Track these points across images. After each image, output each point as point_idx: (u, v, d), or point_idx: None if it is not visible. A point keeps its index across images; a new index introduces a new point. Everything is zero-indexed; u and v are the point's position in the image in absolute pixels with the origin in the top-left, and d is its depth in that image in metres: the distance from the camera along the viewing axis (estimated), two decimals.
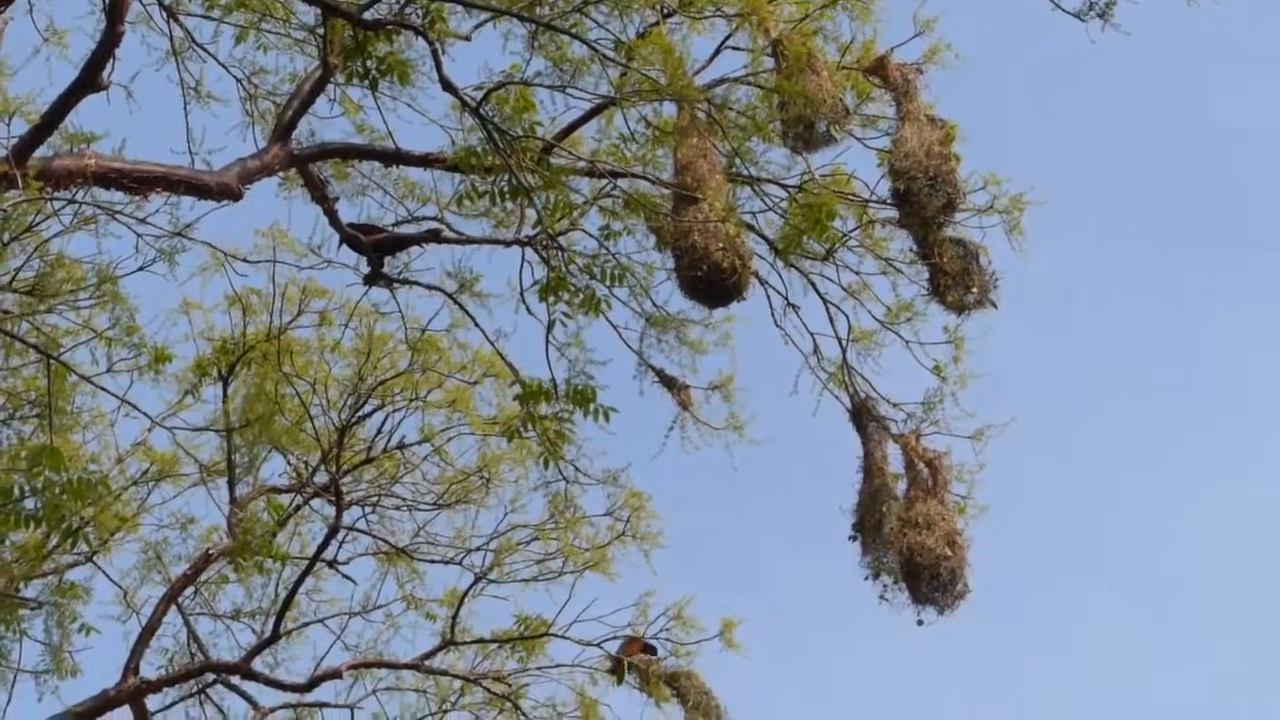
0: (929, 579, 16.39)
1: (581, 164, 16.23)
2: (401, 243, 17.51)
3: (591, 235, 16.22)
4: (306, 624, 19.48)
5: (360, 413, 18.80)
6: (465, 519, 19.73)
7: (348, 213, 17.58)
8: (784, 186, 16.93)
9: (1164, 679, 32.42)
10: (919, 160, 15.62)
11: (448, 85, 14.41)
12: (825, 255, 17.10)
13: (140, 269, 15.38)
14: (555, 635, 19.11)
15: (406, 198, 18.04)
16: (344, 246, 17.41)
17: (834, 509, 17.16)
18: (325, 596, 19.59)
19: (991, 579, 17.13)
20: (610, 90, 15.88)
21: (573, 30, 15.60)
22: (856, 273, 17.32)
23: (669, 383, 18.02)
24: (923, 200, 15.65)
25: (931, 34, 16.20)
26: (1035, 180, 16.38)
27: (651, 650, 18.97)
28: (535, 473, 19.14)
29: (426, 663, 19.44)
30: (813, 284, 17.38)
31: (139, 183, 15.12)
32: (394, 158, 17.22)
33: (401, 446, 19.15)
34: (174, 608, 18.55)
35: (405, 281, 17.61)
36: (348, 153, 17.26)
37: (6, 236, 15.23)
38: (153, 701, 18.32)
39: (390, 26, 14.09)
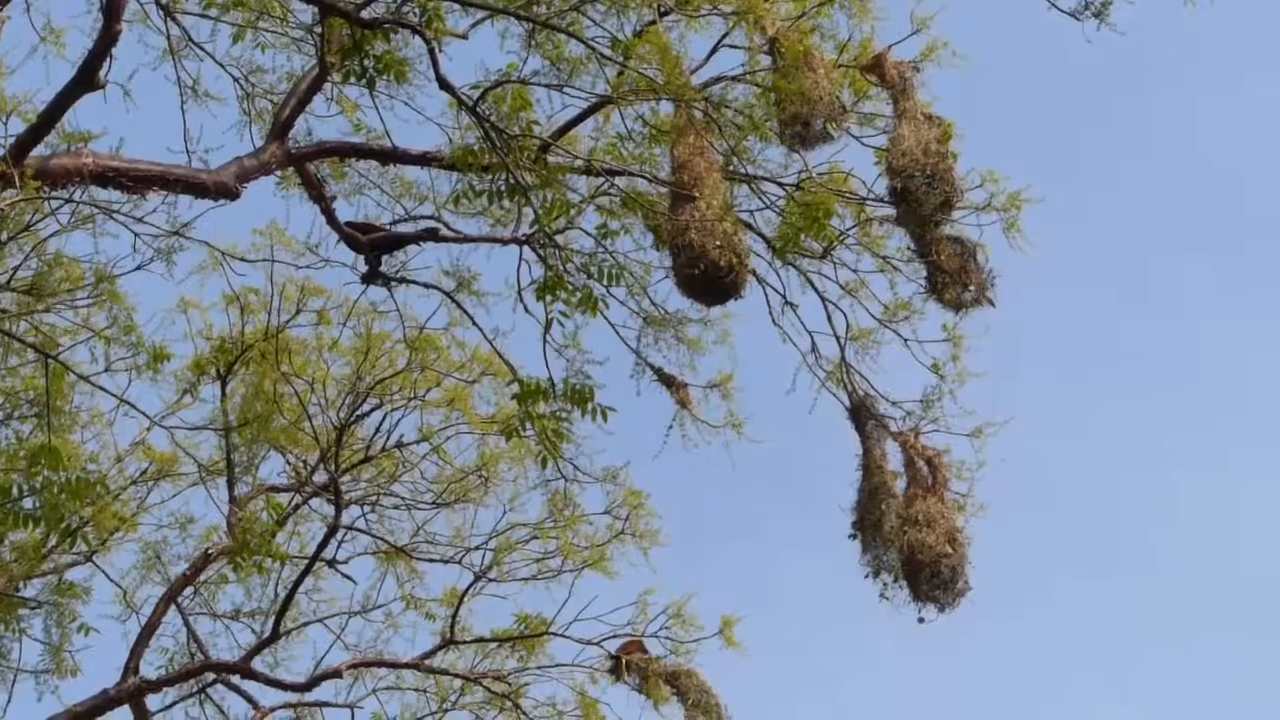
0: (930, 576, 16.38)
1: (579, 163, 16.24)
2: (399, 241, 17.53)
3: (589, 234, 16.28)
4: (306, 623, 19.52)
5: (359, 412, 18.81)
6: (464, 518, 19.76)
7: (345, 211, 17.64)
8: (781, 185, 16.92)
9: (1164, 678, 32.44)
10: (916, 158, 15.60)
11: (445, 84, 14.40)
12: (823, 253, 17.09)
13: (138, 268, 15.41)
14: (555, 634, 19.12)
15: (404, 196, 18.08)
16: (341, 245, 17.43)
17: (833, 507, 17.18)
18: (325, 596, 19.63)
19: (992, 577, 17.14)
20: (607, 89, 15.88)
21: (570, 29, 15.59)
22: (854, 271, 17.32)
23: (667, 381, 18.02)
24: (920, 198, 15.63)
25: (928, 32, 16.19)
26: (1032, 179, 16.39)
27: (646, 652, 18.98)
28: (534, 471, 19.17)
29: (426, 662, 19.45)
30: (811, 282, 17.38)
31: (136, 182, 15.13)
32: (391, 156, 17.24)
33: (400, 445, 19.16)
34: (174, 607, 18.58)
35: (403, 280, 17.62)
36: (345, 151, 17.27)
37: (4, 236, 15.23)
38: (153, 701, 18.36)
39: (387, 25, 14.08)
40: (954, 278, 16.42)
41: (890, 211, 16.36)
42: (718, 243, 15.02)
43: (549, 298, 14.25)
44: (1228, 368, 35.07)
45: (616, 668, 18.93)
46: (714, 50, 16.62)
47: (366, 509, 19.59)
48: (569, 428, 14.52)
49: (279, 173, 16.99)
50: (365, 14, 14.17)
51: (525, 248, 16.48)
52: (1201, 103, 34.99)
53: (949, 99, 16.34)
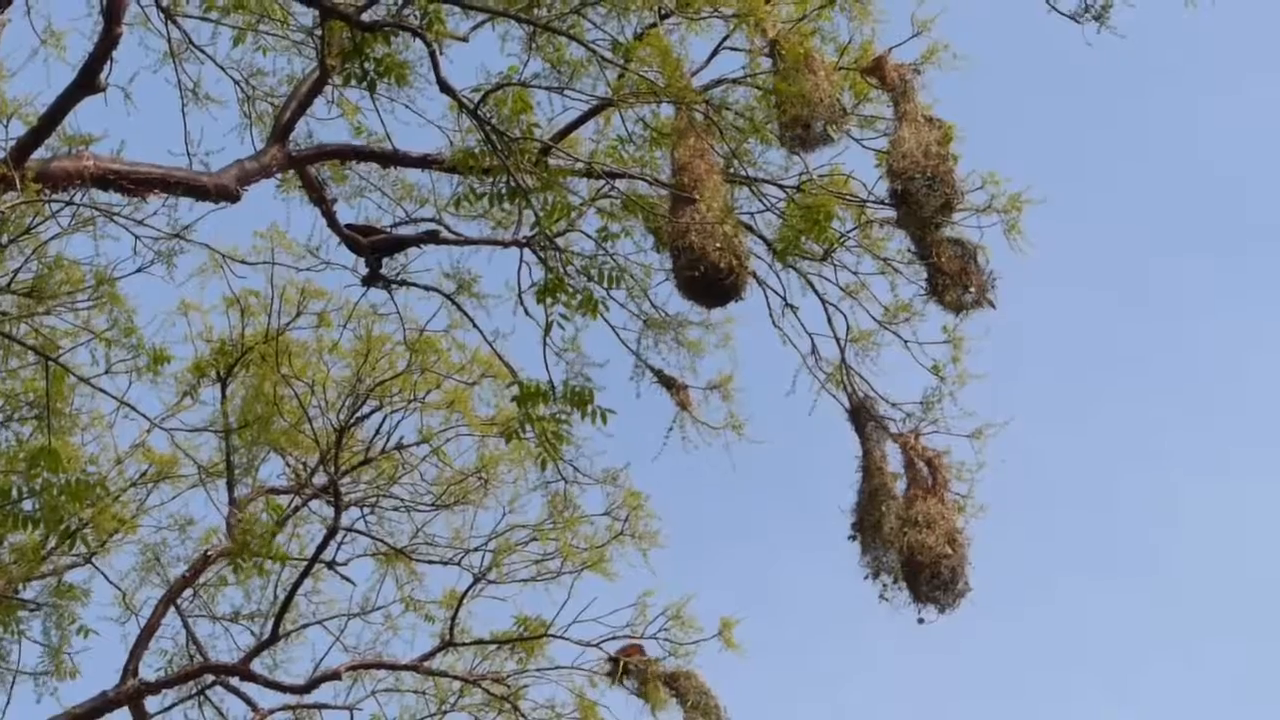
0: (930, 577, 16.38)
1: (579, 165, 16.22)
2: (399, 244, 17.53)
3: (589, 236, 16.27)
4: (305, 625, 19.50)
5: (358, 414, 18.81)
6: (464, 520, 19.76)
7: (346, 214, 17.64)
8: (782, 187, 16.93)
9: (1164, 679, 32.46)
10: (917, 160, 15.60)
11: (445, 87, 14.41)
12: (823, 256, 17.10)
13: (138, 270, 15.39)
14: (554, 636, 19.11)
15: (404, 199, 18.08)
16: (342, 247, 17.43)
17: (833, 508, 17.19)
18: (324, 598, 19.63)
19: (992, 577, 17.15)
20: (608, 91, 15.88)
21: (570, 32, 15.59)
22: (854, 273, 17.33)
23: (667, 383, 18.02)
24: (920, 200, 15.64)
25: (929, 35, 16.21)
26: (1033, 181, 16.40)
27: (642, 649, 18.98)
28: (534, 473, 19.16)
29: (425, 664, 19.44)
30: (811, 284, 17.39)
31: (137, 184, 15.12)
32: (392, 159, 17.24)
33: (400, 447, 19.15)
34: (173, 609, 18.57)
35: (403, 283, 17.62)
36: (345, 154, 17.27)
37: (5, 238, 15.22)
38: (152, 703, 18.34)
39: (388, 28, 14.09)
40: (954, 279, 16.42)
41: (891, 214, 16.36)
42: (718, 245, 15.02)
43: (549, 300, 14.25)
44: (1228, 368, 35.13)
45: (615, 671, 18.93)
46: (715, 53, 16.66)
47: (366, 511, 19.60)
48: (569, 430, 14.53)
49: (280, 175, 16.99)
50: (366, 17, 14.18)
51: (526, 250, 16.47)
52: (1201, 104, 35.06)
53: (950, 101, 16.37)
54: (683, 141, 15.51)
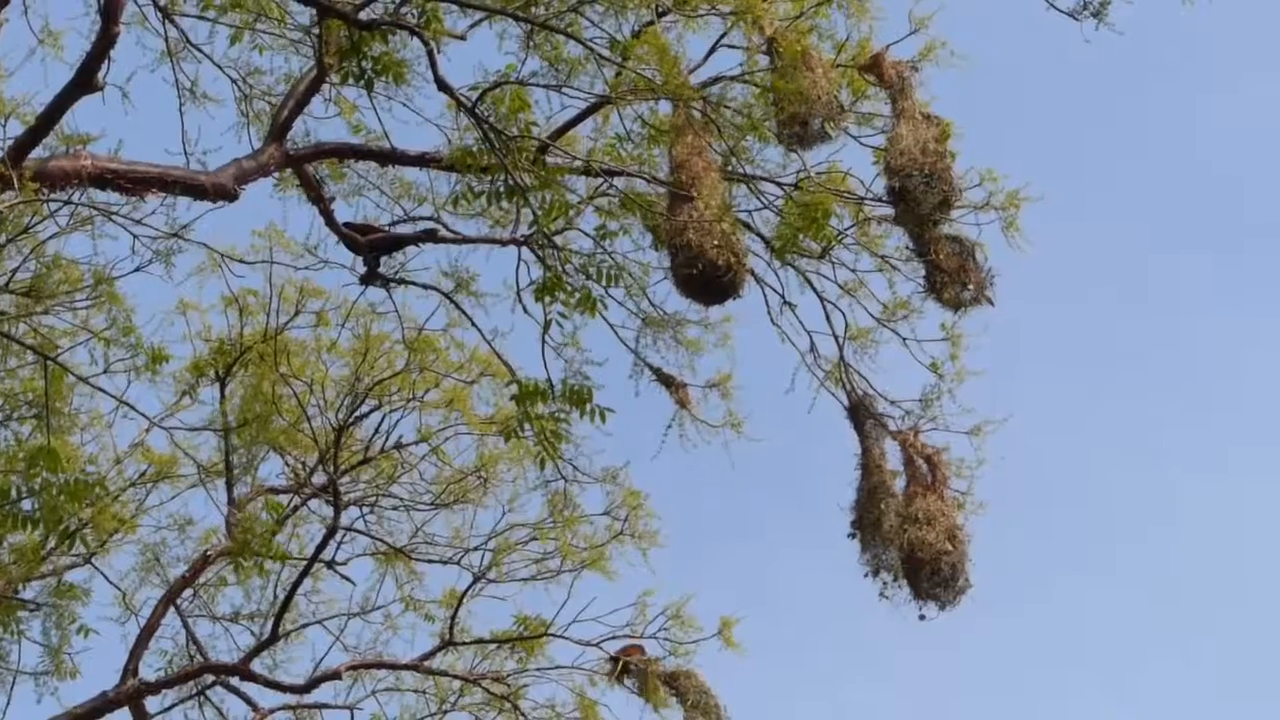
0: (930, 574, 16.38)
1: (577, 163, 16.23)
2: (398, 242, 17.53)
3: (587, 234, 16.23)
4: (305, 625, 19.51)
5: (357, 413, 18.82)
6: (463, 519, 19.77)
7: (344, 212, 17.64)
8: (780, 185, 16.93)
9: (1162, 677, 32.46)
10: (914, 157, 15.61)
11: (443, 85, 14.40)
12: (821, 253, 17.10)
13: (137, 270, 15.38)
14: (554, 635, 19.10)
15: (402, 197, 18.07)
16: (340, 246, 17.43)
17: (832, 506, 17.19)
18: (324, 597, 19.63)
19: (992, 574, 17.15)
20: (605, 89, 15.88)
21: (568, 30, 15.58)
22: (853, 270, 17.33)
23: (666, 381, 18.01)
24: (918, 197, 15.64)
25: (926, 32, 16.20)
26: (1031, 178, 16.40)
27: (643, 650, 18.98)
28: (533, 472, 19.12)
29: (425, 663, 19.44)
30: (809, 282, 17.39)
31: (135, 183, 15.12)
32: (390, 157, 17.24)
33: (399, 446, 19.16)
34: (173, 609, 18.58)
35: (401, 281, 17.62)
36: (343, 153, 17.27)
37: (3, 238, 15.22)
38: (152, 703, 18.35)
39: (385, 27, 14.07)
40: (953, 277, 16.42)
41: (889, 211, 16.36)
42: (716, 242, 15.03)
43: (548, 298, 14.24)
44: (1226, 366, 35.11)
45: (615, 670, 18.93)
46: (712, 50, 16.65)
47: (365, 510, 19.60)
48: (568, 428, 14.52)
49: (277, 174, 16.99)
50: (363, 15, 14.17)
51: (524, 248, 16.46)
52: (1200, 101, 35.06)
53: (947, 98, 16.38)
54: (681, 139, 15.52)
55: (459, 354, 18.79)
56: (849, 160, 16.83)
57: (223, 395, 18.41)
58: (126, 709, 17.92)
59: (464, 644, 19.35)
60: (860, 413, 17.39)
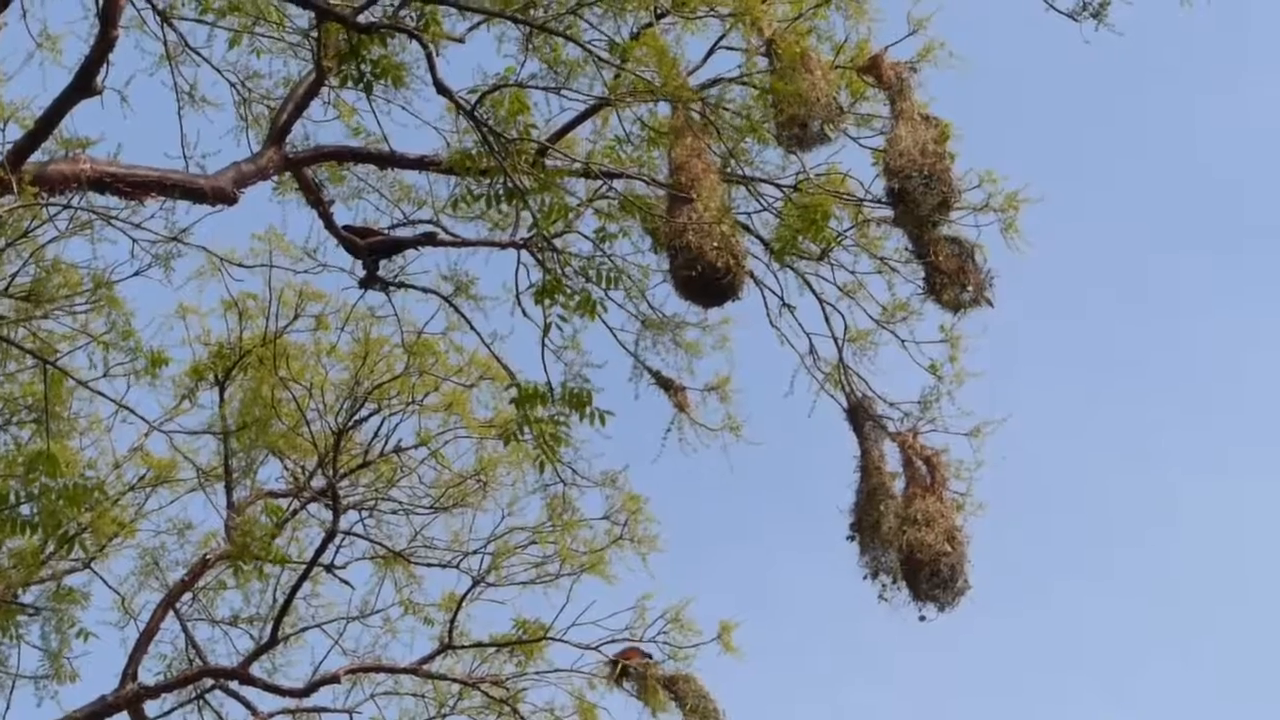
0: (929, 575, 16.39)
1: (576, 166, 16.22)
2: (397, 246, 17.53)
3: (587, 237, 16.25)
4: (304, 629, 19.51)
5: (357, 416, 18.82)
6: (462, 522, 19.78)
7: (343, 216, 17.64)
8: (779, 186, 16.92)
9: (1161, 678, 32.47)
10: (913, 159, 15.61)
11: (442, 88, 14.39)
12: (820, 255, 17.10)
13: (136, 274, 15.34)
14: (553, 639, 19.12)
15: (402, 201, 18.07)
16: (339, 250, 17.42)
17: (832, 508, 17.19)
18: (323, 601, 19.65)
19: (991, 575, 17.16)
20: (604, 91, 15.86)
21: (567, 32, 15.58)
22: (852, 272, 17.33)
23: (665, 384, 18.00)
24: (917, 199, 15.64)
25: (925, 33, 16.21)
26: (1030, 179, 16.40)
27: (648, 657, 18.97)
28: (532, 476, 19.16)
29: (424, 667, 19.46)
30: (808, 284, 17.39)
31: (134, 187, 15.10)
32: (389, 161, 17.23)
33: (398, 450, 19.17)
34: (172, 613, 18.58)
35: (401, 285, 17.62)
36: (342, 156, 17.26)
37: (2, 242, 15.21)
38: (151, 707, 18.36)
39: (384, 30, 14.08)
40: (952, 278, 16.42)
41: (888, 212, 16.35)
42: (715, 244, 15.03)
43: (547, 301, 14.23)
44: (1226, 367, 35.14)
45: (614, 672, 18.93)
46: (711, 52, 16.64)
47: (364, 514, 19.61)
48: (567, 431, 14.52)
49: (276, 177, 16.98)
50: (362, 18, 14.16)
51: (523, 251, 16.48)
52: (1199, 102, 35.08)
53: (946, 99, 16.38)
54: (680, 141, 15.52)
55: (458, 357, 18.82)
56: (848, 162, 16.86)
57: (222, 399, 18.40)
58: (126, 713, 17.93)
59: (463, 647, 19.37)
60: (859, 414, 17.39)
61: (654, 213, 15.93)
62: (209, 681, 19.01)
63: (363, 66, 14.00)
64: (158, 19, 16.85)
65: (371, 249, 17.31)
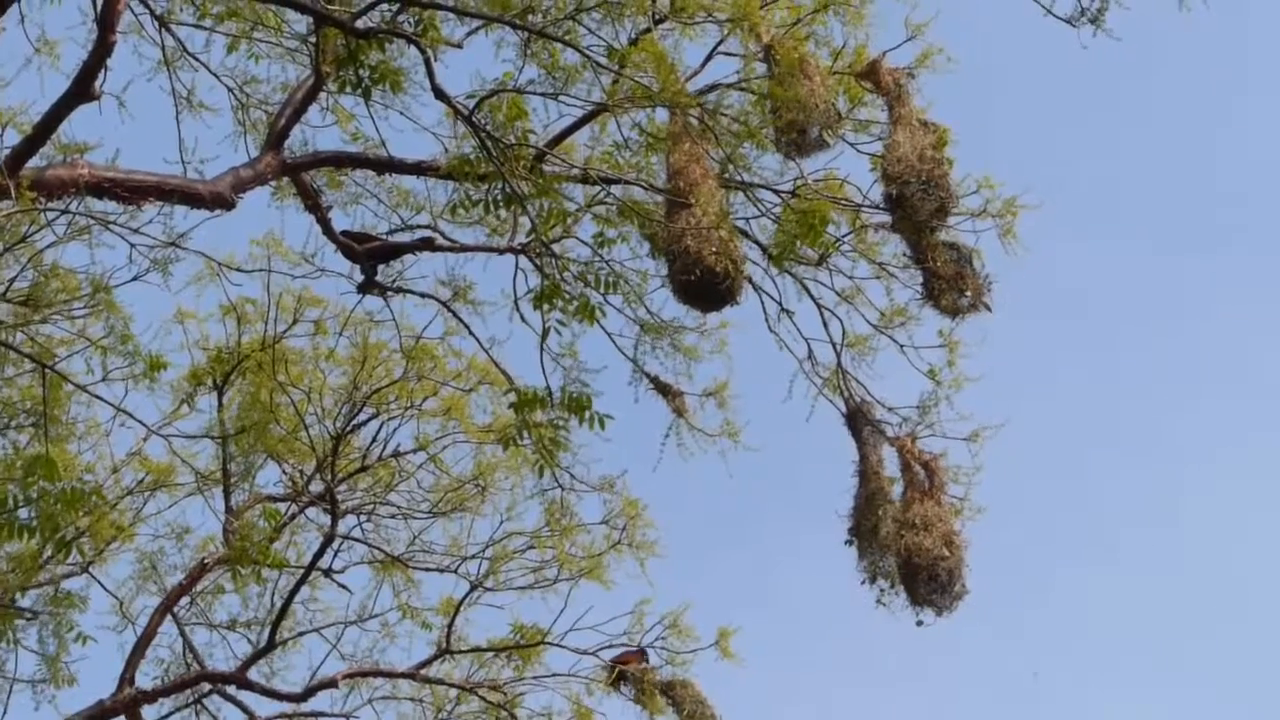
0: (927, 580, 16.39)
1: (574, 171, 16.23)
2: (395, 251, 17.52)
3: (585, 243, 16.23)
4: (302, 633, 19.52)
5: (355, 421, 18.83)
6: (460, 527, 19.78)
7: (341, 221, 17.64)
8: (777, 192, 16.91)
9: (1159, 679, 32.47)
10: (911, 164, 15.61)
11: (440, 93, 14.40)
12: (819, 261, 17.10)
13: (134, 279, 15.38)
14: (551, 644, 19.12)
15: (400, 206, 18.04)
16: (337, 255, 17.43)
17: (830, 513, 17.19)
18: (321, 606, 19.66)
19: (991, 579, 17.17)
20: (603, 97, 15.85)
21: (565, 37, 15.58)
22: (850, 277, 17.33)
23: (663, 390, 17.99)
24: (915, 204, 15.64)
25: (923, 39, 16.21)
26: (1028, 185, 16.40)
27: (644, 657, 18.97)
28: (531, 480, 19.13)
29: (422, 672, 19.45)
30: (806, 289, 17.39)
31: (132, 192, 15.11)
32: (387, 166, 17.23)
33: (396, 455, 19.18)
34: (170, 617, 18.59)
35: (399, 290, 17.62)
36: (340, 161, 17.25)
37: (1, 247, 15.22)
38: (149, 712, 18.38)
39: (382, 35, 14.08)
40: (950, 283, 16.42)
41: (886, 218, 16.35)
42: (714, 249, 15.02)
43: (545, 306, 14.25)
44: (1228, 366, 35.16)
45: (611, 675, 18.93)
46: (709, 58, 16.66)
47: (363, 518, 19.61)
48: (566, 436, 14.52)
49: (274, 183, 17.00)
50: (360, 24, 14.15)
51: (521, 257, 16.46)
52: (1198, 103, 35.12)
53: (944, 105, 16.38)
54: (678, 147, 15.51)
55: (456, 362, 18.82)
56: (846, 167, 16.86)
57: (220, 403, 18.41)
58: (123, 717, 17.93)
59: (461, 652, 19.37)
60: (858, 419, 17.39)
61: (652, 218, 15.92)
62: (206, 686, 19.01)
63: (361, 72, 14.00)
64: (156, 24, 16.86)
65: (370, 254, 17.31)
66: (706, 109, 16.14)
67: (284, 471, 19.10)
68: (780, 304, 17.44)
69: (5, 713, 18.11)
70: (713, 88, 16.58)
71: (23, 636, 17.47)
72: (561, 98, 16.07)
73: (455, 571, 19.64)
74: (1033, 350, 31.73)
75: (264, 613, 19.32)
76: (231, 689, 18.93)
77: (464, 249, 17.56)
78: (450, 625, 19.22)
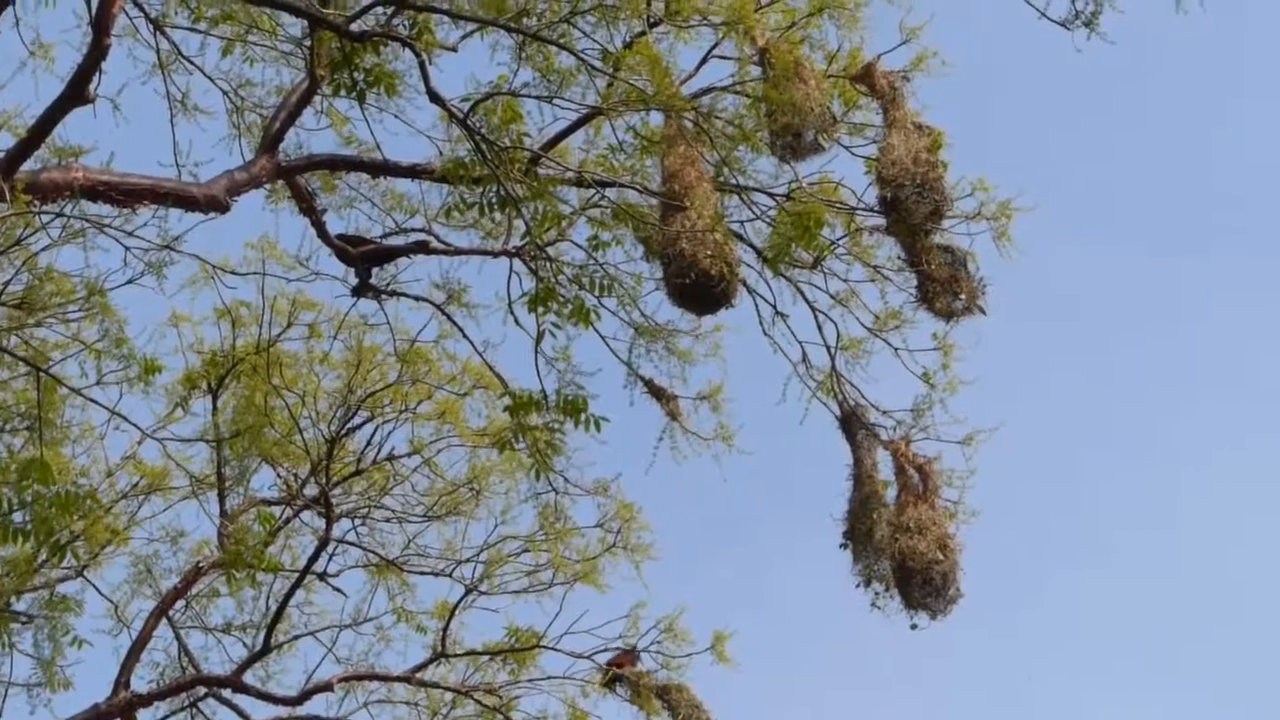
0: (921, 583, 16.39)
1: (569, 174, 16.23)
2: (389, 254, 17.53)
3: (580, 246, 16.22)
4: (297, 637, 19.53)
5: (350, 425, 18.83)
6: (455, 531, 19.80)
7: (336, 224, 17.65)
8: (772, 195, 16.92)
9: (1157, 680, 32.47)
10: (906, 167, 15.61)
11: (435, 96, 14.41)
12: (813, 263, 17.10)
13: (129, 282, 15.31)
14: (546, 647, 19.13)
15: (394, 209, 18.06)
16: (332, 258, 17.43)
17: (825, 515, 17.19)
18: (316, 609, 19.66)
19: (986, 582, 17.17)
20: (597, 100, 15.88)
21: (560, 41, 15.59)
22: (845, 280, 17.32)
23: (657, 393, 17.99)
24: (910, 207, 15.65)
25: (918, 42, 16.22)
26: (1022, 187, 16.41)
27: (635, 657, 18.98)
28: (525, 484, 19.15)
29: (417, 675, 19.46)
30: (801, 292, 17.38)
31: (127, 195, 15.10)
32: (381, 169, 17.23)
33: (391, 458, 19.17)
34: (165, 621, 18.58)
35: (393, 293, 17.63)
36: (335, 164, 17.26)
37: None
38: (144, 715, 18.42)
39: (377, 38, 14.08)
40: (944, 286, 16.42)
41: (880, 221, 16.36)
42: (709, 252, 15.02)
43: (540, 309, 14.24)
44: (1223, 368, 35.17)
45: (606, 675, 18.94)
46: (704, 61, 16.67)
47: (357, 522, 19.60)
48: (562, 439, 14.52)
49: (269, 186, 17.00)
50: (355, 27, 14.16)
51: (516, 260, 16.45)
52: (1195, 104, 35.14)
53: (939, 108, 16.39)
54: (673, 150, 15.51)
55: (451, 366, 18.84)
56: (841, 170, 16.85)
57: (215, 407, 18.41)
58: None
59: (456, 656, 19.38)
60: (852, 423, 17.38)
61: (647, 221, 15.92)
62: (202, 689, 19.04)
63: (355, 75, 14.01)
64: (150, 27, 16.90)
65: (364, 257, 17.32)
66: (701, 112, 16.14)
67: (278, 475, 19.10)
68: (775, 307, 17.44)
69: (1, 716, 18.11)
70: (707, 91, 16.58)
71: (18, 640, 17.46)
72: (556, 101, 16.12)
73: (450, 575, 19.66)
74: (1027, 352, 31.77)
75: (259, 616, 19.34)
76: (227, 692, 18.94)
77: (458, 252, 17.57)
78: (445, 629, 19.23)
